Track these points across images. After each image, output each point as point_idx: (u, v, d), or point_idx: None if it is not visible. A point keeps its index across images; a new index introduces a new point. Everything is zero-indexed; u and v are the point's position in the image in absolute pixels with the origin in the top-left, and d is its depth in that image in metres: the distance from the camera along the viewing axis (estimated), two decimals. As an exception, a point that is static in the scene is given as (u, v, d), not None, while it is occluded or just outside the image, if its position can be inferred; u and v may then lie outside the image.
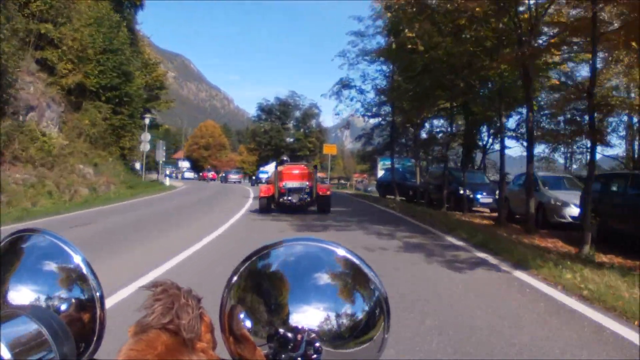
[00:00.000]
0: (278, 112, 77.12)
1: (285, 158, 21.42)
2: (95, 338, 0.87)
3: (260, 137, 75.28)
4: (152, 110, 51.40)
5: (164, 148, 46.81)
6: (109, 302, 5.24)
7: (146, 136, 41.13)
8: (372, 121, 36.44)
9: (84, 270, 0.89)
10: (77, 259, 0.89)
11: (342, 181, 62.40)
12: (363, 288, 0.82)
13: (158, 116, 56.23)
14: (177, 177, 76.19)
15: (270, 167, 28.26)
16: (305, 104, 77.42)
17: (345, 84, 32.00)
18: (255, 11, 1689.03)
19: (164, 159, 46.20)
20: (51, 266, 0.91)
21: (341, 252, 0.83)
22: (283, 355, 0.79)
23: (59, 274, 0.90)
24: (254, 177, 54.40)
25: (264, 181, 35.23)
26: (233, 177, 65.70)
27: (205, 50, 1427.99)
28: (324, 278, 0.81)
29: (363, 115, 34.79)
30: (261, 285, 0.83)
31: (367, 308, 0.81)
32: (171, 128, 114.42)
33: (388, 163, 36.72)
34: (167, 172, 47.10)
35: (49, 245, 0.91)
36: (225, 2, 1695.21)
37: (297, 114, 78.15)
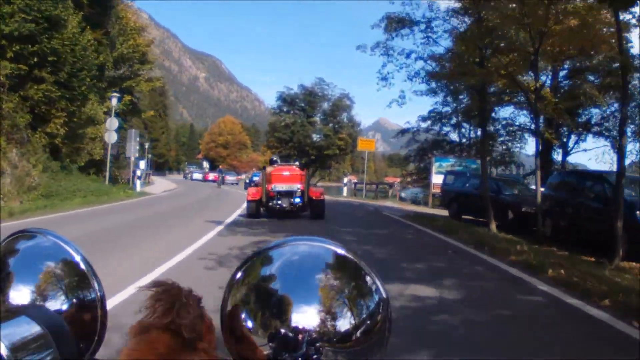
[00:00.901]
0: (302, 102, 65.04)
1: (275, 158, 20.24)
2: (96, 338, 0.88)
3: (281, 131, 63.25)
4: (134, 91, 40.18)
5: (138, 139, 35.57)
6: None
7: (112, 122, 30.21)
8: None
9: (85, 270, 0.89)
10: (78, 259, 0.90)
11: (382, 187, 50.22)
12: (365, 289, 0.83)
13: (141, 98, 45.11)
14: (186, 178, 69.44)
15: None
16: (334, 93, 65.32)
17: (398, 22, 17.77)
18: (288, 11, 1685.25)
19: (136, 155, 35.55)
20: (52, 266, 0.91)
21: (343, 252, 0.84)
22: (284, 356, 0.80)
23: (59, 274, 0.90)
24: (247, 181, 50.57)
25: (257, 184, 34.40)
26: (230, 178, 61.19)
27: (237, 51, 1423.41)
28: (326, 278, 0.82)
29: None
30: (262, 285, 0.83)
31: (368, 309, 0.82)
32: (197, 127, 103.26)
33: (448, 165, 30.82)
34: (138, 173, 36.03)
35: (50, 245, 0.91)
36: (258, 2, 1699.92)
37: (326, 105, 66.06)
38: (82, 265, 0.89)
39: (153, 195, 32.59)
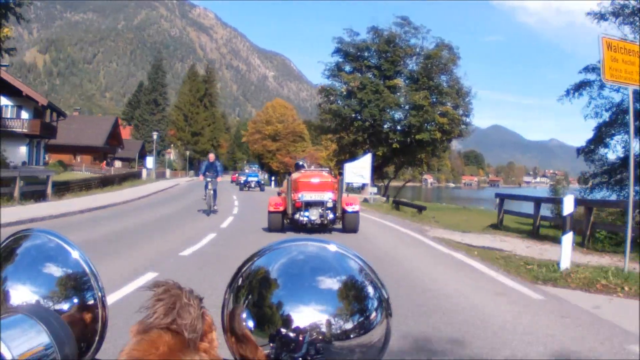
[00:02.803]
0: (375, 57, 40.03)
1: (301, 162, 17.23)
2: (97, 338, 0.89)
3: (338, 108, 38.82)
4: None
5: None
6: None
7: None
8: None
9: (86, 270, 0.90)
10: (80, 259, 0.91)
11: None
12: (365, 289, 0.83)
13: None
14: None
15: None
16: (427, 44, 40.34)
17: None
18: (357, 10, 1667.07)
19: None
20: (53, 266, 0.91)
21: (344, 252, 0.85)
22: (285, 356, 0.80)
23: (61, 274, 0.91)
24: (241, 181, 42.07)
25: (252, 186, 37.49)
26: (252, 179, 46.77)
27: (306, 50, 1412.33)
28: (327, 278, 0.82)
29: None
30: (263, 286, 0.84)
31: (369, 309, 0.83)
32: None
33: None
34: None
35: (51, 245, 0.92)
36: (326, 1, 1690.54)
37: (411, 65, 40.96)
38: (83, 265, 0.90)
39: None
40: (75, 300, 0.88)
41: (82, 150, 65.10)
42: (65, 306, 0.88)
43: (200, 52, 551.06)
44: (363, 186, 38.69)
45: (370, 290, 0.83)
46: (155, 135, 62.28)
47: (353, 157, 38.30)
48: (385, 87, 38.17)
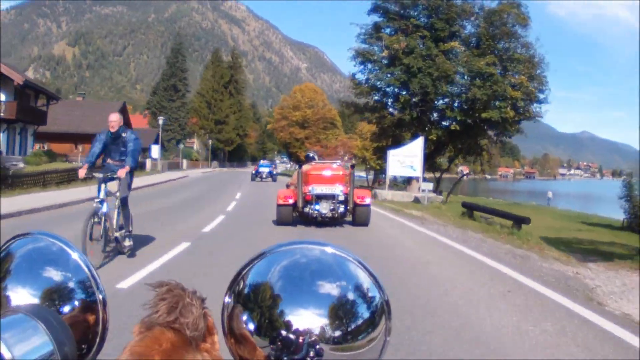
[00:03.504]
0: (424, 14, 30.96)
1: (311, 154, 16.45)
2: (97, 340, 0.89)
3: (379, 77, 29.90)
4: None
5: None
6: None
7: None
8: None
9: (86, 272, 0.90)
10: (79, 261, 0.91)
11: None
12: (365, 291, 0.84)
13: None
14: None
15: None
16: (487, 2, 31.40)
17: None
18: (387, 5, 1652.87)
19: None
20: (53, 269, 0.91)
21: (343, 255, 0.85)
22: (285, 358, 0.80)
23: (60, 277, 0.91)
24: (253, 172, 41.52)
25: (264, 176, 37.22)
26: (264, 170, 45.87)
27: (339, 41, 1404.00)
28: (326, 281, 0.83)
29: None
30: (263, 287, 0.84)
31: (368, 310, 0.83)
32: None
33: None
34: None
35: (52, 247, 0.92)
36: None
37: (470, 27, 31.97)
38: (84, 267, 0.90)
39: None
40: (76, 302, 0.88)
41: (83, 138, 57.54)
42: (65, 308, 0.88)
43: (232, 44, 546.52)
44: (408, 180, 29.89)
45: (369, 292, 0.83)
46: (160, 121, 54.16)
47: (397, 143, 29.60)
48: (438, 51, 29.29)
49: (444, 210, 20.66)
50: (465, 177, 46.85)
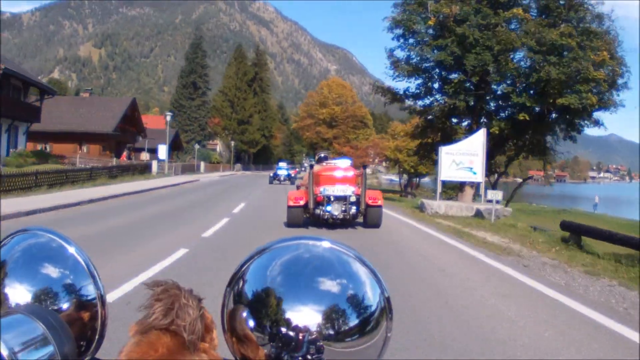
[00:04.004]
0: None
1: (323, 154, 16.31)
2: (96, 337, 0.89)
3: (424, 50, 23.51)
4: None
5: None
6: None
7: None
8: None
9: (85, 268, 0.89)
10: (79, 258, 0.90)
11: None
12: (366, 288, 0.83)
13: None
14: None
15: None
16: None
17: None
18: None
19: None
20: (52, 265, 0.91)
21: (345, 251, 0.84)
22: (285, 355, 0.80)
23: (59, 273, 0.90)
24: (271, 175, 39.45)
25: (282, 179, 35.28)
26: (281, 173, 42.98)
27: (368, 42, 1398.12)
28: (327, 277, 0.82)
29: None
30: (263, 284, 0.83)
31: (369, 308, 0.82)
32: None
33: None
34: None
35: (51, 243, 0.92)
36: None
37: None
38: (83, 264, 0.89)
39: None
40: (74, 299, 0.88)
41: (89, 138, 52.35)
42: (64, 305, 0.87)
43: (260, 46, 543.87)
44: (460, 186, 23.47)
45: (370, 289, 0.82)
46: (168, 117, 48.11)
47: (448, 139, 23.33)
48: (500, 18, 22.94)
49: (527, 232, 14.47)
50: (528, 181, 40.35)
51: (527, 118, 22.62)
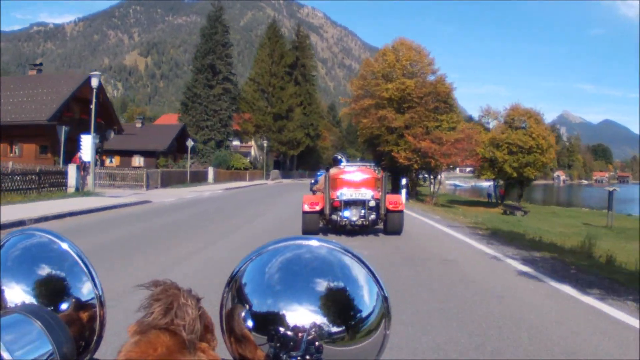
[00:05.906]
0: None
1: (339, 157, 15.41)
2: (95, 337, 0.89)
3: None
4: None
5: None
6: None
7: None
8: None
9: (84, 269, 0.90)
10: (77, 259, 0.90)
11: None
12: (364, 288, 0.83)
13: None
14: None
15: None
16: None
17: None
18: (470, 10, 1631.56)
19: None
20: (51, 266, 0.91)
21: (343, 251, 0.85)
22: (284, 355, 0.80)
23: (58, 274, 0.91)
24: (312, 182, 23.66)
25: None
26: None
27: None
28: (325, 277, 0.82)
29: None
30: (262, 285, 0.84)
31: (367, 307, 0.82)
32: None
33: None
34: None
35: (49, 244, 0.92)
36: (439, 1, 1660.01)
37: None
38: (81, 265, 0.89)
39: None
40: (73, 299, 0.88)
41: (22, 134, 32.76)
42: (63, 305, 0.87)
43: (302, 28, 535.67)
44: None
45: (369, 289, 0.82)
46: (94, 80, 27.53)
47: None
48: None
49: None
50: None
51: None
